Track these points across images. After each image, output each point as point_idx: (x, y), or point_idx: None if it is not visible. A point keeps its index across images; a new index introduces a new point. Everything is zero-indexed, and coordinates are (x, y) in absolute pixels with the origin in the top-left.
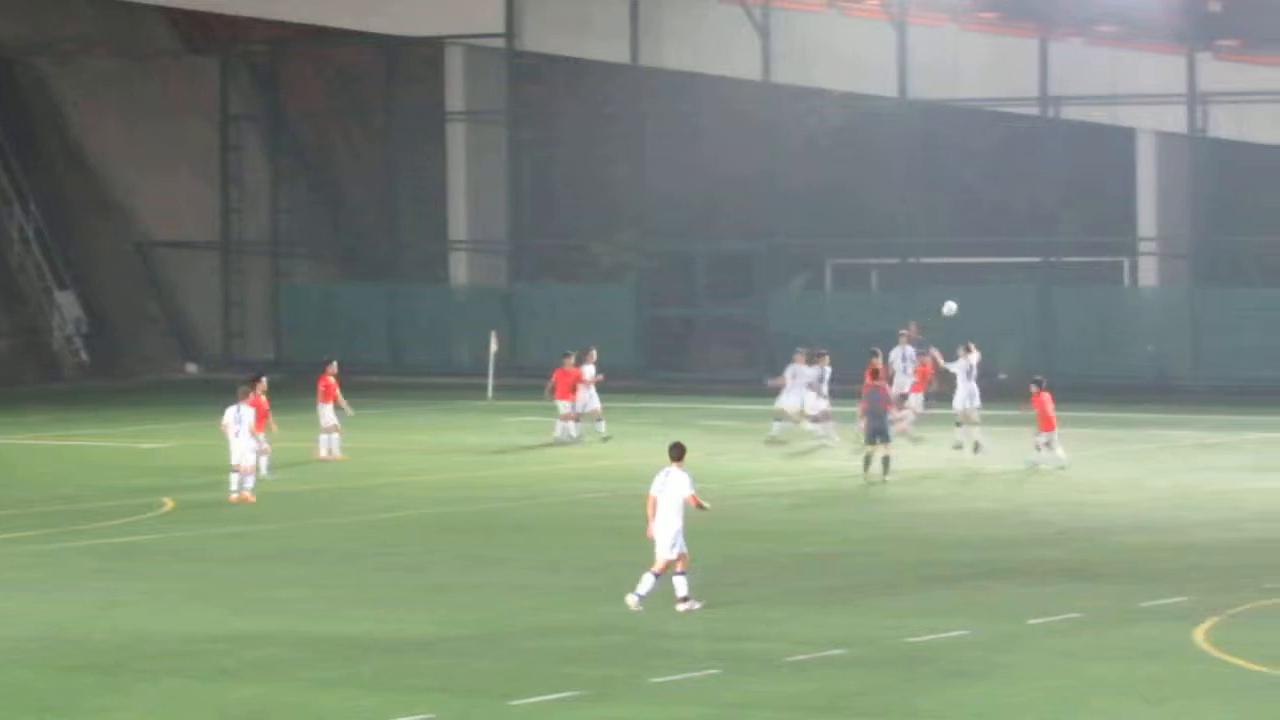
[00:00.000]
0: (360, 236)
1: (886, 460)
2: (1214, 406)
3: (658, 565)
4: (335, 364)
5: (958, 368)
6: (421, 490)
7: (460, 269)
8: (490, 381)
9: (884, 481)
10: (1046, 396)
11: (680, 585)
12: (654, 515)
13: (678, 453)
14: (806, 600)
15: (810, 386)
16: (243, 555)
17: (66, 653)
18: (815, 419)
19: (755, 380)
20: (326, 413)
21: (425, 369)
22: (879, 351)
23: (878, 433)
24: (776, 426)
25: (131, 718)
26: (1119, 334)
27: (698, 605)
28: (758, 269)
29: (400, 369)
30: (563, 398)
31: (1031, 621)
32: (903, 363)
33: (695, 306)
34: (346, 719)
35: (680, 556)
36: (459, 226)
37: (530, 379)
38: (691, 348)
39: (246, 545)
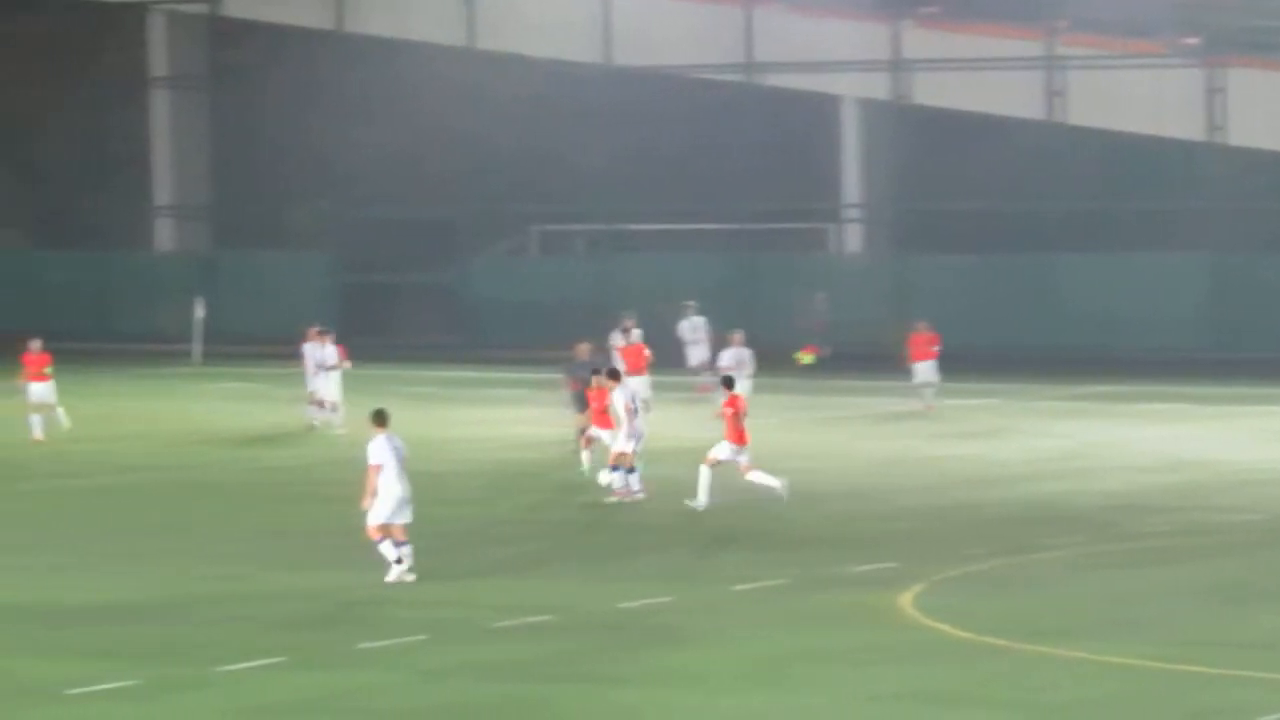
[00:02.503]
0: (63, 202)
1: (590, 439)
2: None
3: (375, 532)
4: (39, 340)
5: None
6: (123, 457)
7: (164, 235)
8: (197, 346)
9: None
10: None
11: (402, 552)
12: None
13: (382, 419)
14: (515, 567)
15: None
16: None
17: None
18: None
19: (456, 347)
20: (35, 391)
21: (129, 336)
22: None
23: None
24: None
25: None
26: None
27: (411, 577)
28: (461, 235)
29: (104, 336)
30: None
31: (738, 588)
32: (692, 333)
33: (397, 272)
34: (48, 686)
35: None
36: (163, 193)
37: (233, 345)
38: (392, 314)
39: None
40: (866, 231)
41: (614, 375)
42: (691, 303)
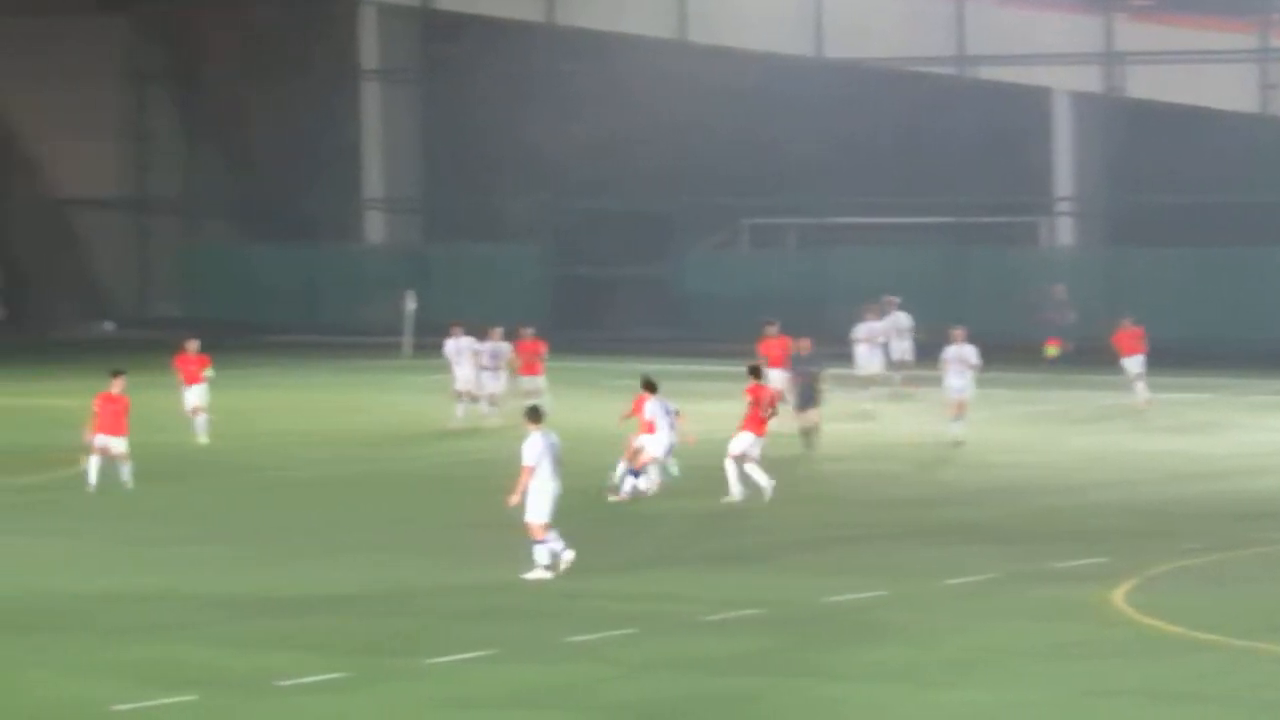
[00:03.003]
0: (273, 195)
1: (814, 430)
2: None
3: (539, 531)
4: (196, 341)
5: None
6: (329, 449)
7: (375, 228)
8: (407, 340)
9: (809, 454)
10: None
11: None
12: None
13: (537, 416)
14: (724, 560)
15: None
16: (152, 514)
17: None
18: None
19: (667, 340)
20: (191, 395)
21: (339, 328)
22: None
23: (809, 401)
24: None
25: (43, 676)
26: (1034, 294)
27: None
28: (673, 228)
29: (313, 328)
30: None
31: (949, 582)
32: (896, 330)
33: (607, 266)
34: (258, 678)
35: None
36: (373, 185)
37: (443, 338)
38: (603, 307)
39: (155, 503)
40: (1078, 225)
41: (650, 386)
42: (895, 299)
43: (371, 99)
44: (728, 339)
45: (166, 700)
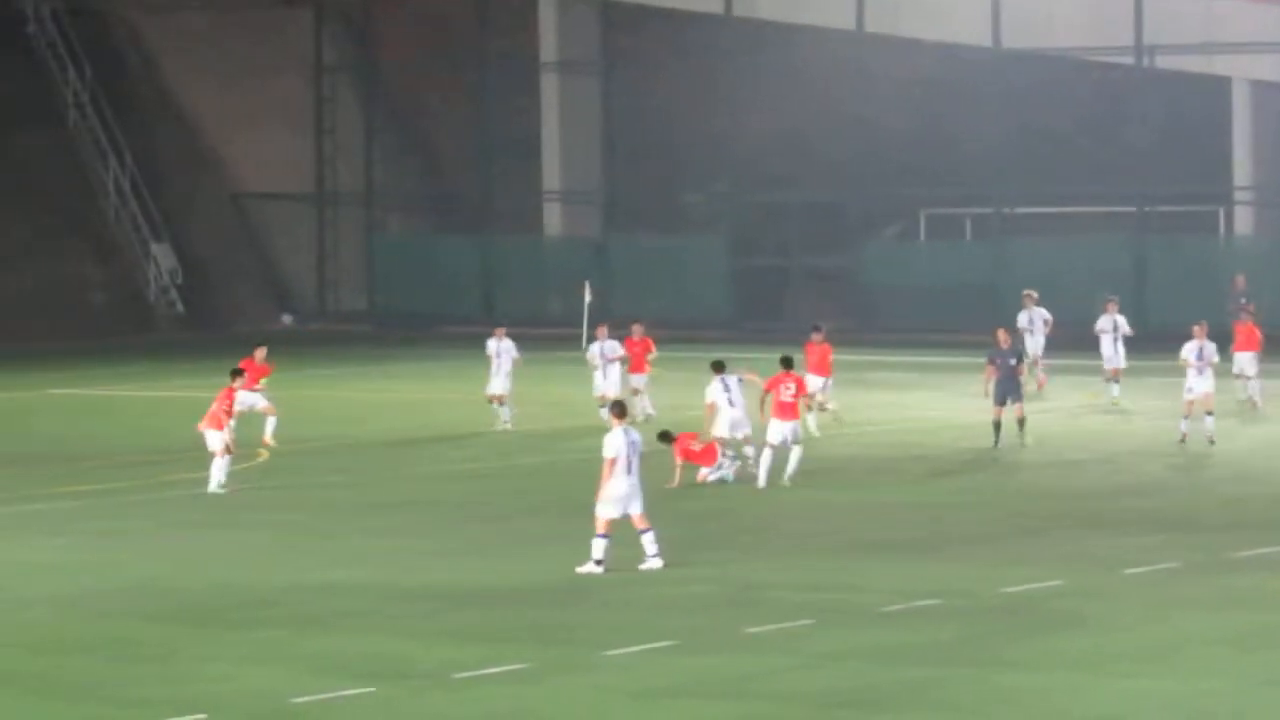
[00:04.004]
0: (453, 187)
1: (1021, 421)
2: None
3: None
4: (264, 349)
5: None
6: (508, 441)
7: (554, 220)
8: (585, 332)
9: (1022, 445)
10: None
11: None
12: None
13: (620, 410)
14: (900, 550)
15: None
16: (332, 506)
17: (160, 603)
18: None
19: (847, 331)
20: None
21: (518, 320)
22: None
23: (1008, 394)
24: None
25: (223, 668)
26: (1214, 283)
27: (659, 563)
28: (851, 219)
29: (493, 320)
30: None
31: (1127, 572)
32: (1029, 324)
33: (788, 257)
34: (436, 669)
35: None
36: (553, 177)
37: (623, 330)
38: (783, 298)
39: (335, 496)
40: (1257, 215)
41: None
42: (1033, 293)
43: (551, 91)
44: (907, 329)
45: (345, 692)
